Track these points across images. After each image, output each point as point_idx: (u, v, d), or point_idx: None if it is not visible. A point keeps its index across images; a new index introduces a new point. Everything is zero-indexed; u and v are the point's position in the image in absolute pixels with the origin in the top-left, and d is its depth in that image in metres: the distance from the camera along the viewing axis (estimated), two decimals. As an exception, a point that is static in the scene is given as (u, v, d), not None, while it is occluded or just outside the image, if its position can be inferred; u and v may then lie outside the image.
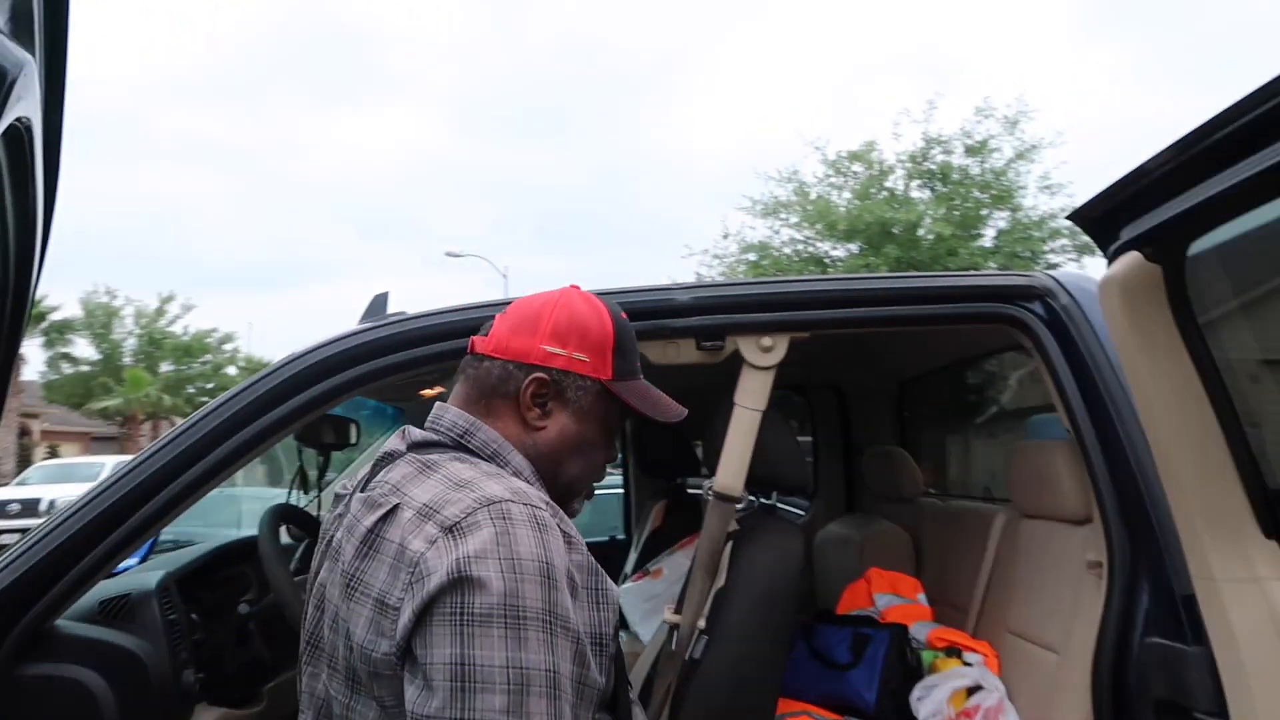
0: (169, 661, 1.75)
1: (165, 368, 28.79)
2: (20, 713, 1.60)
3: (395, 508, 1.06)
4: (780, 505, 2.18)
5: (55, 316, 27.33)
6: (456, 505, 1.03)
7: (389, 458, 1.18)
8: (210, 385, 28.76)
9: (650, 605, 2.59)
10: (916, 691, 2.17)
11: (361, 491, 1.15)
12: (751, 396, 1.90)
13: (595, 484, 1.32)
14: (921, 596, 2.63)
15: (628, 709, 1.19)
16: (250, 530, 2.35)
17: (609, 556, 4.15)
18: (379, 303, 2.11)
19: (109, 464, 15.09)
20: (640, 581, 2.67)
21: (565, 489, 1.23)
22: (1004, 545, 2.39)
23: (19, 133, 1.04)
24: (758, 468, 1.89)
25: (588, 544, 1.11)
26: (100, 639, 1.69)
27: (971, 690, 2.14)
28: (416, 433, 1.20)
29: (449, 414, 1.21)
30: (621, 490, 4.21)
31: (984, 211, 17.09)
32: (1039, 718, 1.92)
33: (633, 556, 3.37)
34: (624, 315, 1.30)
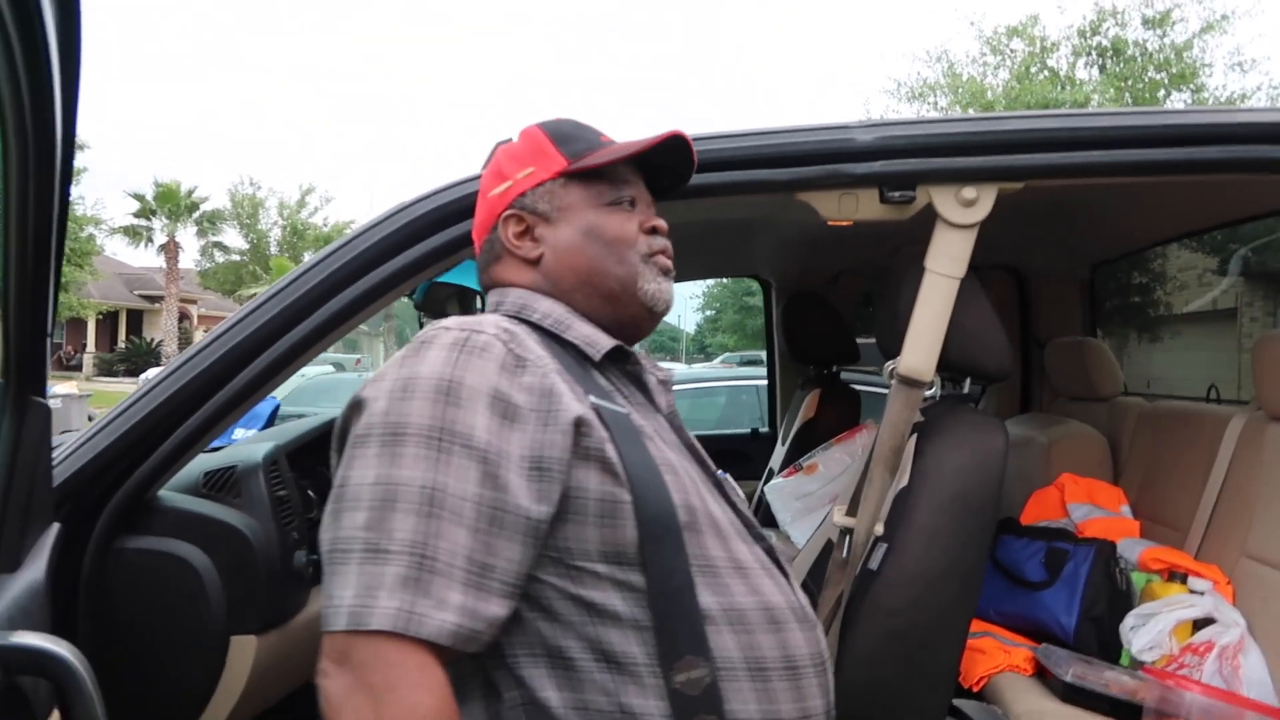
0: (277, 541, 1.58)
1: (307, 257, 29.91)
2: (122, 587, 1.47)
3: None
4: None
5: (206, 207, 28.73)
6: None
7: None
8: (349, 275, 29.78)
9: (803, 504, 2.30)
10: (1129, 620, 1.83)
11: None
12: (948, 261, 1.54)
13: (655, 259, 1.13)
14: (1125, 509, 2.25)
15: (684, 574, 0.95)
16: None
17: (749, 451, 3.89)
18: (503, 149, 1.83)
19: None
20: (792, 478, 2.37)
21: (613, 293, 1.10)
22: (1243, 453, 1.97)
23: None
24: (951, 348, 1.55)
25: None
26: (202, 513, 1.53)
27: (1199, 623, 1.79)
28: None
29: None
30: (758, 381, 3.90)
31: (1160, 92, 15.41)
32: (1301, 664, 1.55)
33: (780, 450, 3.07)
34: (558, 119, 1.19)
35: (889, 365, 1.57)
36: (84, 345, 31.72)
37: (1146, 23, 15.32)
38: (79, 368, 30.29)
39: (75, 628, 1.42)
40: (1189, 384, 2.65)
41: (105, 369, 29.55)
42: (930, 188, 1.54)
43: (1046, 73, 15.84)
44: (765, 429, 3.80)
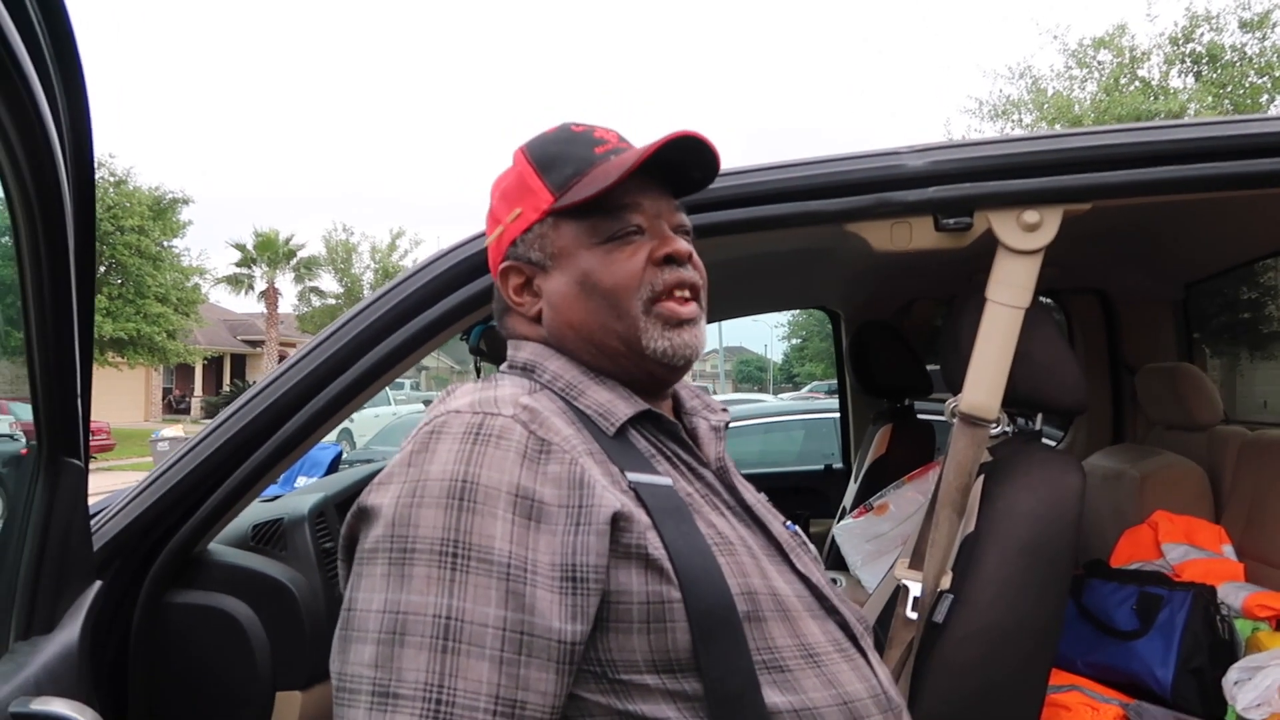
0: (323, 594, 1.57)
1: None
2: (169, 643, 1.47)
3: None
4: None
5: (302, 254, 30.00)
6: (414, 431, 0.88)
7: None
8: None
9: (875, 546, 2.19)
10: (1234, 674, 1.67)
11: None
12: (1009, 290, 1.45)
13: (667, 297, 0.95)
14: (1228, 549, 2.07)
15: (747, 675, 0.82)
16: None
17: (823, 488, 3.77)
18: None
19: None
20: (862, 518, 2.27)
21: (619, 352, 0.95)
22: (1359, 488, 1.80)
23: None
24: (1019, 382, 1.45)
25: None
26: (247, 567, 1.53)
27: (1314, 678, 1.62)
28: None
29: None
30: (838, 414, 3.78)
31: (1263, 98, 14.67)
32: None
33: (852, 488, 2.96)
34: (550, 131, 1.02)
35: (950, 403, 1.48)
36: (191, 389, 33.26)
37: (1244, 26, 14.65)
38: (187, 410, 31.77)
39: (125, 684, 1.44)
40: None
41: (211, 411, 30.90)
42: (989, 213, 1.45)
43: (1138, 83, 15.27)
44: (839, 464, 3.68)
